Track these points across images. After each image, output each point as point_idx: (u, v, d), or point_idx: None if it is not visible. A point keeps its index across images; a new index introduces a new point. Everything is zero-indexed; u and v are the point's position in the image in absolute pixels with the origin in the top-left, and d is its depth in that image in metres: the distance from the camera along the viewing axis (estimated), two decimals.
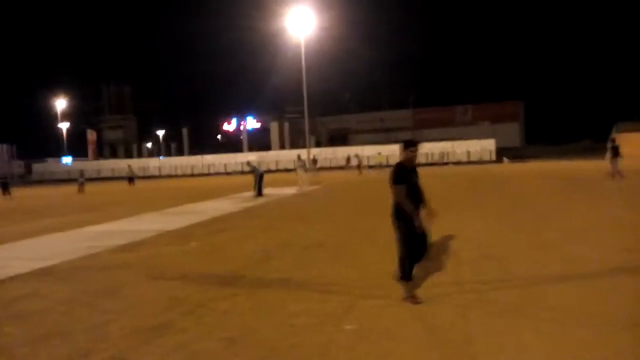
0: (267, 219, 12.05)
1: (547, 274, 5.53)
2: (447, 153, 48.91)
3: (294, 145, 71.90)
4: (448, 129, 72.80)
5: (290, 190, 20.71)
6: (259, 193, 18.20)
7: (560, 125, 73.61)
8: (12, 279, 6.57)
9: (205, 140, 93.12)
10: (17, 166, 67.94)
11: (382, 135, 76.69)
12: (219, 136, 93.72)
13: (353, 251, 7.36)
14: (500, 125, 71.30)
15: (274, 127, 77.55)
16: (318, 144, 69.48)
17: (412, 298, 4.62)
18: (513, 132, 72.79)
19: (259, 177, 18.49)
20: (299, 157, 24.40)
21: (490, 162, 44.20)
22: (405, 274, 4.67)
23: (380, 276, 5.50)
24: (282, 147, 71.33)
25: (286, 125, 77.48)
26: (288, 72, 60.61)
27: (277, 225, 10.79)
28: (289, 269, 6.35)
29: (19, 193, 30.65)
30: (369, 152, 47.60)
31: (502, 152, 47.76)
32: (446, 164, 46.18)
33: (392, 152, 51.56)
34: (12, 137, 70.73)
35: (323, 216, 12.12)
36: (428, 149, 49.89)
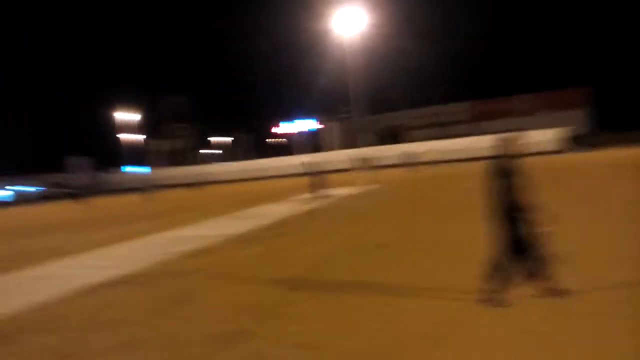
0: (328, 221, 12.11)
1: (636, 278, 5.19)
2: None
3: (347, 145, 71.97)
4: (508, 120, 70.26)
5: (347, 191, 20.72)
6: (319, 194, 18.36)
7: (635, 111, 68.95)
8: (91, 287, 6.98)
9: (260, 144, 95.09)
10: (93, 177, 72.15)
11: (437, 130, 75.21)
12: (272, 139, 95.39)
13: (416, 252, 7.25)
14: (564, 114, 68.02)
15: (326, 128, 77.96)
16: (371, 143, 69.11)
17: (496, 300, 4.44)
18: (577, 120, 69.18)
19: (316, 178, 18.75)
20: (354, 156, 24.40)
21: (553, 152, 42.22)
22: (502, 275, 4.39)
23: (449, 277, 5.39)
24: (335, 147, 71.59)
25: (338, 125, 77.67)
26: (338, 72, 60.69)
27: (339, 227, 10.82)
28: (354, 272, 6.35)
29: (95, 203, 32.57)
30: (424, 148, 46.79)
31: (568, 141, 45.49)
32: None
33: (448, 147, 50.61)
34: (86, 149, 75.10)
35: (383, 216, 12.03)
36: (488, 142, 48.35)
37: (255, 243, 9.46)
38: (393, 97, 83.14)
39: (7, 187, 70.15)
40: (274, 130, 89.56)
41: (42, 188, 67.45)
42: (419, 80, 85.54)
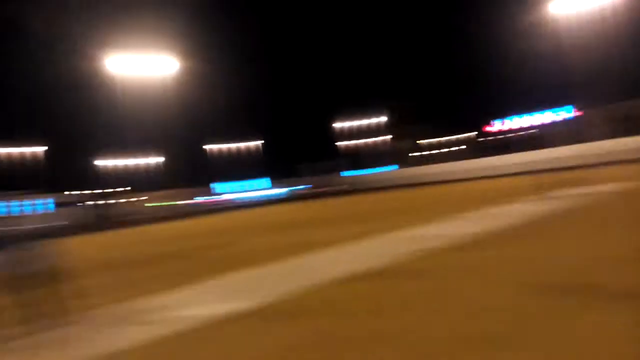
0: (581, 223, 10.50)
1: None
2: None
3: (616, 134, 61.55)
4: None
5: (606, 188, 17.53)
6: (569, 192, 16.03)
7: None
8: (344, 279, 7.52)
9: (489, 140, 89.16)
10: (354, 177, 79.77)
11: None
12: (510, 134, 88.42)
13: None
14: None
15: (589, 115, 68.38)
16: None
17: None
18: None
19: (561, 175, 16.31)
20: (619, 148, 20.33)
21: None
22: None
23: None
24: (601, 137, 62.02)
25: (603, 112, 67.19)
26: (602, 50, 52.59)
27: (594, 230, 9.22)
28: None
29: (355, 199, 35.64)
30: None
31: None
32: None
33: None
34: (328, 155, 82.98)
35: None
36: None
37: (502, 244, 8.82)
38: None
39: (284, 187, 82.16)
40: (521, 123, 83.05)
41: (309, 186, 76.83)
42: None
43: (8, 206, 56.72)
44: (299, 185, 75.83)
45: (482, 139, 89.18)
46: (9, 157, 65.38)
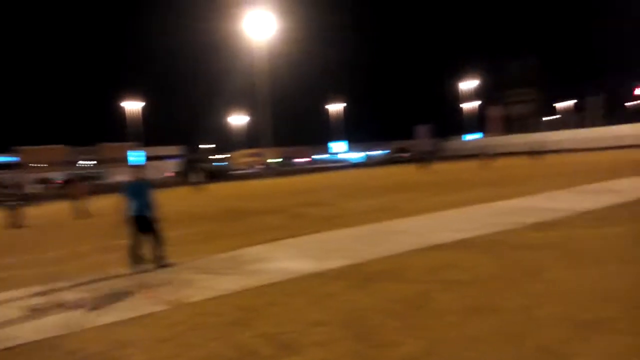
0: None
1: None
2: None
3: None
4: None
5: None
6: None
7: None
8: (435, 247, 7.39)
9: (618, 109, 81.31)
10: (434, 143, 77.67)
11: None
12: (632, 103, 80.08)
13: None
14: None
15: None
16: None
17: None
18: None
19: None
20: None
21: None
22: None
23: None
24: None
25: None
26: None
27: None
28: None
29: (434, 167, 34.89)
30: None
31: None
32: None
33: None
34: (429, 118, 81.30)
35: None
36: None
37: (611, 222, 8.13)
38: None
39: (362, 151, 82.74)
40: (638, 92, 74.84)
41: (387, 152, 76.46)
42: None
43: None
44: (398, 149, 75.29)
45: (627, 104, 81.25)
46: (131, 112, 71.14)
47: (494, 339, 3.75)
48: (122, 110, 71.86)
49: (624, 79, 76.73)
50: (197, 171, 36.27)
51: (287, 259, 7.36)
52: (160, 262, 7.41)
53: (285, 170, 61.38)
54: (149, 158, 68.92)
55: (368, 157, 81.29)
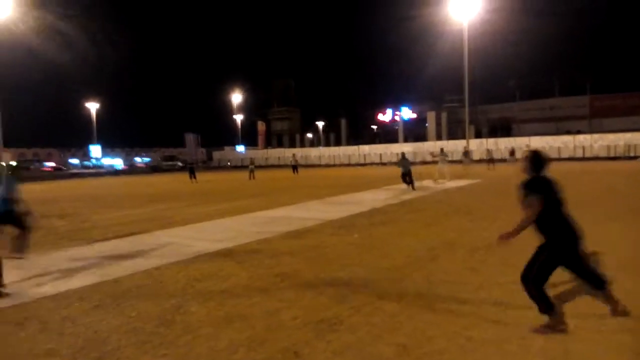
0: (427, 213, 11.63)
1: None
2: (635, 145, 42.62)
3: (452, 136, 69.17)
4: (633, 118, 63.27)
5: (448, 184, 19.88)
6: (410, 186, 17.63)
7: None
8: (196, 258, 7.28)
9: (362, 130, 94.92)
10: (201, 153, 77.33)
11: (550, 125, 69.87)
12: (374, 127, 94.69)
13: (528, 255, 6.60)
14: None
15: (430, 116, 75.48)
16: (478, 135, 65.86)
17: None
18: None
19: (405, 171, 17.83)
20: (441, 150, 23.18)
21: None
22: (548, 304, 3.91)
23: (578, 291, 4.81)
24: (440, 137, 69.13)
25: (444, 115, 74.87)
26: (446, 60, 58.44)
27: (439, 220, 10.32)
28: (456, 272, 5.94)
29: (202, 177, 34.69)
30: (536, 143, 43.97)
31: None
32: (634, 157, 40.42)
33: (564, 143, 46.76)
34: (197, 128, 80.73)
35: (488, 213, 11.27)
36: (610, 141, 44.33)
37: (352, 230, 9.32)
38: (506, 87, 78.01)
39: (121, 157, 77.50)
40: (379, 117, 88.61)
41: (149, 160, 73.29)
42: (535, 70, 79.41)
43: None
44: (166, 157, 72.12)
45: (372, 127, 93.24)
46: None
47: (242, 347, 3.82)
48: None
49: (368, 105, 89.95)
50: None
51: (19, 283, 6.23)
52: None
53: (24, 176, 52.79)
54: None
55: (131, 164, 76.18)
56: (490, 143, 49.65)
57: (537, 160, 4.00)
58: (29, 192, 27.58)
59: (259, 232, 9.35)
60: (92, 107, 73.81)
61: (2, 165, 7.20)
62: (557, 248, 3.87)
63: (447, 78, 70.90)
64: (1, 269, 5.60)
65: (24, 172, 59.10)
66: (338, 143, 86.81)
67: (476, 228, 9.11)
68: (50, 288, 5.81)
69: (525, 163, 4.03)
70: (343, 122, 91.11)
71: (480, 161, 39.50)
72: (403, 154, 19.00)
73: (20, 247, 7.43)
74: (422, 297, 4.97)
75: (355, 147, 64.10)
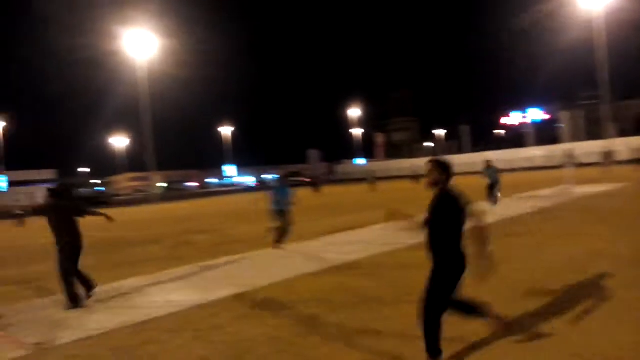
0: (566, 222, 10.67)
1: None
2: None
3: (591, 136, 62.75)
4: None
5: (590, 189, 18.03)
6: (557, 191, 16.01)
7: None
8: (327, 270, 7.48)
9: (486, 136, 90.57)
10: (323, 167, 79.75)
11: None
12: (499, 131, 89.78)
13: None
14: None
15: (564, 116, 69.24)
16: (623, 133, 58.90)
17: None
18: None
19: (492, 182, 15.58)
20: (568, 151, 20.67)
21: None
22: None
23: None
24: (576, 139, 63.06)
25: (579, 113, 68.28)
26: (573, 54, 53.53)
27: (579, 230, 9.40)
28: (609, 287, 5.34)
29: (325, 191, 35.70)
30: None
31: None
32: None
33: None
34: (319, 143, 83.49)
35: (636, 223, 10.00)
36: None
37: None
38: None
39: (253, 175, 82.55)
40: (504, 121, 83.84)
41: (278, 177, 76.61)
42: None
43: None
44: (291, 173, 75.63)
45: (495, 131, 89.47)
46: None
47: None
48: None
49: (490, 110, 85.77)
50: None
51: (170, 291, 6.95)
52: None
53: (174, 195, 58.93)
54: (13, 183, 61.54)
55: (261, 181, 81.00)
56: (634, 142, 44.15)
57: None
58: (174, 210, 30.70)
59: (385, 244, 9.32)
60: (226, 130, 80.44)
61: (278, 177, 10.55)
62: None
63: (577, 73, 64.76)
64: (86, 277, 6.37)
65: (175, 192, 66.21)
66: (460, 151, 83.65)
67: (620, 238, 8.14)
68: (198, 297, 6.38)
69: None
70: (464, 129, 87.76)
71: (627, 162, 35.23)
72: (489, 162, 16.36)
73: (280, 238, 9.89)
74: (576, 316, 4.55)
75: (478, 154, 61.15)
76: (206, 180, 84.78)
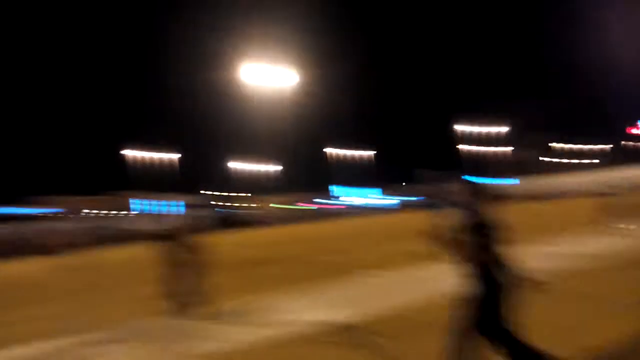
0: None
1: None
2: None
3: None
4: None
5: None
6: None
7: None
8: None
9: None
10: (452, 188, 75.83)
11: None
12: (626, 142, 78.02)
13: None
14: None
15: None
16: None
17: None
18: None
19: None
20: None
21: None
22: None
23: None
24: None
25: None
26: None
27: None
28: None
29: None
30: None
31: None
32: None
33: None
34: (435, 162, 79.86)
35: None
36: None
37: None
38: None
39: (394, 196, 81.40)
40: (632, 132, 72.66)
41: (422, 198, 74.70)
42: None
43: (149, 205, 63.31)
44: (414, 195, 74.00)
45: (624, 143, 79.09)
46: (150, 160, 72.07)
47: None
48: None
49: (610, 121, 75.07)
50: None
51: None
52: None
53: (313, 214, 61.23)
54: None
55: (402, 202, 79.32)
56: None
57: None
58: (298, 232, 31.22)
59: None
60: (364, 154, 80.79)
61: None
62: None
63: None
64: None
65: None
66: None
67: None
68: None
69: None
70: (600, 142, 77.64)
71: None
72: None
73: None
74: None
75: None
76: (314, 199, 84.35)
